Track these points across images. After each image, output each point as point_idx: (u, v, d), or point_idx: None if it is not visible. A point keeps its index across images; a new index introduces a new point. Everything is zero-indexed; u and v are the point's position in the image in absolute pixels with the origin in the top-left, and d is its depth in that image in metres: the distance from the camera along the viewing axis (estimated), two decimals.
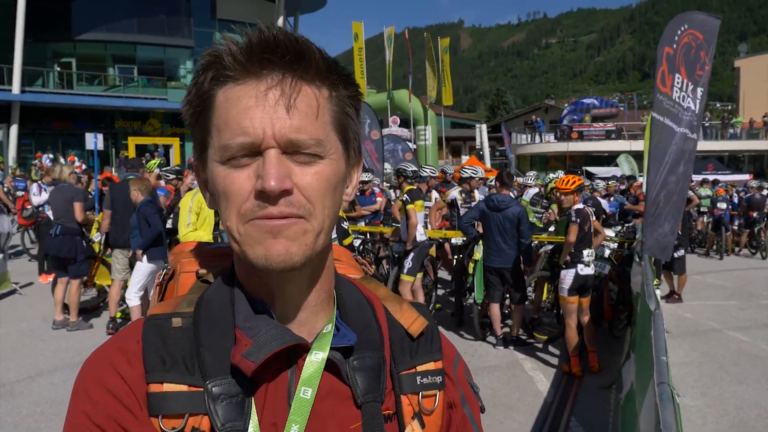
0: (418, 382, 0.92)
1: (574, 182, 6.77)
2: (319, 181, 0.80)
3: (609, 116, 46.87)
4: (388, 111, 35.99)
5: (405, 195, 7.89)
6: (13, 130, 32.14)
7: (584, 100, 50.33)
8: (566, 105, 54.10)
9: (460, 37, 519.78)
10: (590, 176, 24.23)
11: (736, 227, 17.27)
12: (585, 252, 6.55)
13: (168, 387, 0.80)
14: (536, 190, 11.21)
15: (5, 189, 15.69)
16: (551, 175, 11.27)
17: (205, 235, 6.51)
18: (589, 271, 6.58)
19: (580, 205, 6.74)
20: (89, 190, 11.29)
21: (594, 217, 6.92)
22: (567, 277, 6.59)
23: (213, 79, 0.80)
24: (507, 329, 7.89)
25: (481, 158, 33.15)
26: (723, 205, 16.75)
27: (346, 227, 7.77)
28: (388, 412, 0.88)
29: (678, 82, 5.85)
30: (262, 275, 0.83)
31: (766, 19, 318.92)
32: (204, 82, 0.81)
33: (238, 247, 0.81)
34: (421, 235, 7.93)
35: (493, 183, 9.92)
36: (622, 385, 5.62)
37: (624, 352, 6.93)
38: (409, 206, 7.71)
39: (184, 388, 0.80)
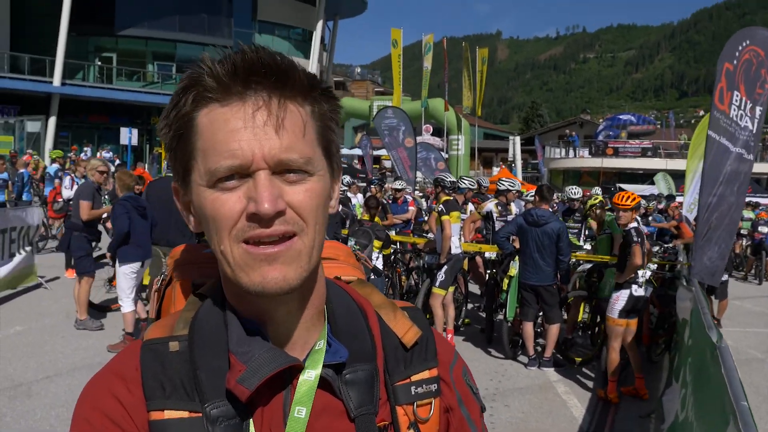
0: (413, 392, 0.91)
1: (633, 198, 6.42)
2: (311, 198, 0.80)
3: (645, 133, 46.13)
4: (422, 119, 35.83)
5: (440, 206, 7.67)
6: (51, 122, 32.58)
7: (621, 116, 49.57)
8: (602, 120, 53.43)
9: (497, 48, 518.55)
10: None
11: None
12: (640, 272, 6.27)
13: (169, 414, 0.80)
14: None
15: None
16: (574, 190, 10.81)
17: None
18: (641, 292, 6.30)
19: (635, 224, 6.44)
20: None
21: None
22: (620, 298, 6.27)
23: (194, 101, 0.79)
24: (539, 349, 7.62)
25: (513, 170, 32.76)
26: (764, 229, 16.28)
27: (387, 236, 7.66)
28: (383, 423, 0.88)
29: (736, 100, 5.56)
30: (254, 297, 0.81)
31: None
32: (185, 104, 0.79)
33: (231, 271, 0.80)
34: (456, 247, 7.69)
35: (530, 197, 9.66)
36: (663, 416, 5.33)
37: (663, 379, 6.64)
38: (445, 217, 7.47)
39: (185, 414, 0.80)
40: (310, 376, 0.84)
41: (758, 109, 5.78)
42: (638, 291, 6.25)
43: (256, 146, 0.76)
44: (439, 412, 0.93)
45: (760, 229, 16.25)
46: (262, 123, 0.77)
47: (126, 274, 6.98)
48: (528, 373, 7.07)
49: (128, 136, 10.41)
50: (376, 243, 7.78)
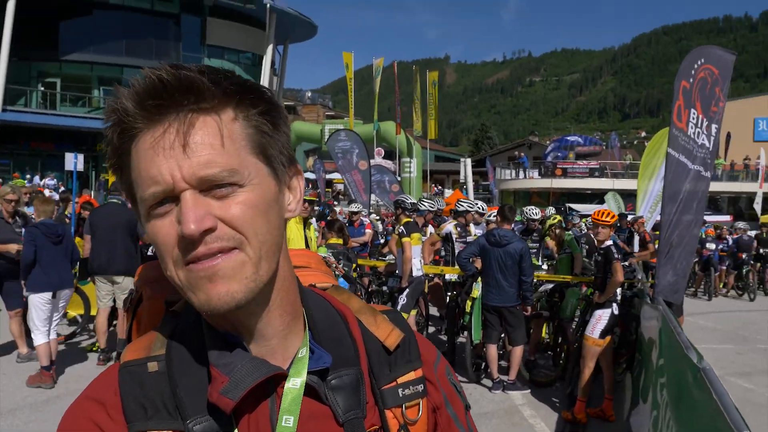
0: (401, 395, 0.91)
1: (613, 216, 6.41)
2: (244, 210, 0.77)
3: (592, 154, 47.15)
4: (374, 142, 35.88)
5: (401, 227, 7.55)
6: None
7: (568, 138, 50.68)
8: (549, 142, 54.44)
9: (446, 72, 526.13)
10: (573, 212, 24.20)
11: (724, 268, 17.22)
12: (618, 290, 6.24)
13: None
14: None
15: None
16: (534, 211, 10.84)
17: None
18: (617, 311, 6.28)
19: (610, 242, 6.40)
20: (66, 213, 10.81)
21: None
22: (603, 317, 6.19)
23: (121, 135, 0.78)
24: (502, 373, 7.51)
25: (465, 192, 32.99)
26: (712, 246, 16.71)
27: (356, 258, 7.52)
28: (374, 428, 0.88)
29: (693, 118, 5.61)
30: (216, 315, 0.80)
31: (744, 65, 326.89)
32: (113, 138, 0.79)
33: (184, 293, 0.79)
34: (417, 270, 7.57)
35: (492, 218, 9.63)
36: None
37: (627, 400, 6.59)
38: (405, 239, 7.36)
39: None
40: (295, 384, 0.83)
41: (714, 127, 5.85)
42: (617, 309, 6.23)
43: (174, 168, 0.75)
44: (427, 413, 0.93)
45: (707, 245, 16.67)
46: (170, 144, 0.75)
47: (35, 305, 6.53)
48: (492, 397, 6.95)
49: (73, 161, 9.97)
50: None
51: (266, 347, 0.85)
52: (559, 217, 9.64)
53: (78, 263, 7.56)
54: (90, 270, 7.63)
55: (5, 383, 6.66)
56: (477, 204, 10.04)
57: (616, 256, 6.16)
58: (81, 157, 10.16)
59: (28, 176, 27.24)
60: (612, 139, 50.96)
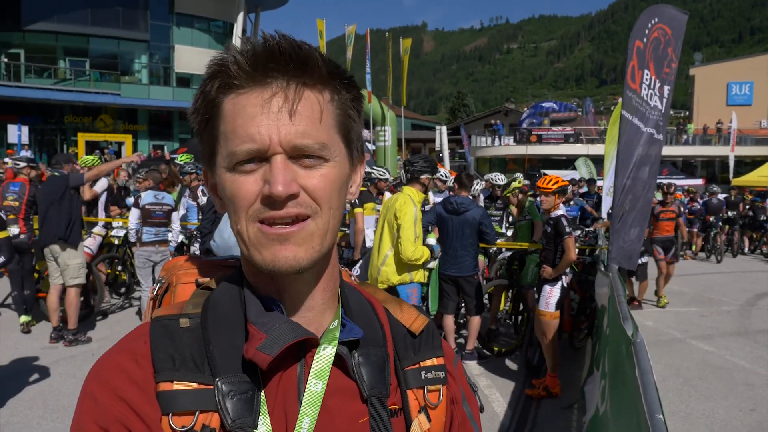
0: (423, 377, 0.94)
1: (556, 182, 5.99)
2: (325, 183, 0.83)
3: (567, 120, 47.07)
4: None
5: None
6: None
7: (543, 104, 50.42)
8: (526, 109, 54.23)
9: (423, 40, 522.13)
10: None
11: (695, 230, 17.32)
12: None
13: (178, 385, 0.80)
14: None
15: None
16: (498, 177, 10.67)
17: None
18: (566, 282, 6.07)
19: (562, 210, 6.13)
20: None
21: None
22: (555, 291, 5.95)
23: (219, 88, 0.82)
24: (462, 342, 7.40)
25: (440, 160, 32.78)
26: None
27: None
28: (394, 407, 0.90)
29: (647, 79, 5.42)
30: (270, 275, 0.85)
31: (719, 30, 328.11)
32: (211, 90, 0.83)
33: (247, 249, 0.84)
34: (371, 240, 7.36)
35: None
36: (585, 406, 5.18)
37: (585, 368, 6.51)
38: (357, 210, 7.10)
39: (194, 386, 0.80)
40: (326, 351, 0.86)
41: (666, 89, 5.68)
42: (565, 282, 6.03)
43: (273, 131, 0.79)
44: (446, 402, 0.96)
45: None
46: (277, 109, 0.80)
47: None
48: None
49: (17, 133, 9.59)
50: None
51: (303, 317, 0.88)
52: (521, 182, 9.43)
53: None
54: (37, 249, 7.54)
55: None
56: (442, 172, 9.77)
57: (567, 230, 5.84)
58: (25, 128, 9.76)
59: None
60: (587, 104, 50.94)
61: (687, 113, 54.11)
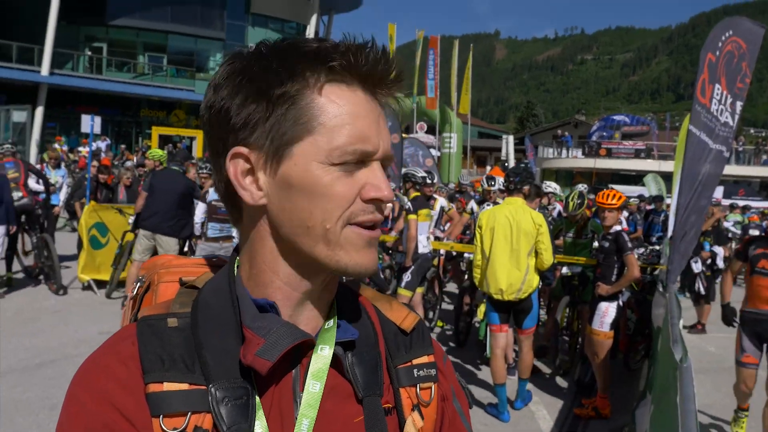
0: (415, 375, 0.94)
1: (619, 197, 5.83)
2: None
3: (639, 134, 45.80)
4: (414, 116, 35.48)
5: (408, 203, 7.26)
6: (39, 112, 32.03)
7: (614, 117, 49.18)
8: (596, 121, 53.10)
9: (495, 48, 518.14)
10: None
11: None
12: None
13: (168, 386, 0.78)
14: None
15: None
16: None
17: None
18: (623, 302, 5.88)
19: (619, 227, 5.93)
20: (86, 177, 10.83)
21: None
22: (611, 310, 5.78)
23: (325, 75, 0.80)
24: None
25: (505, 169, 32.45)
26: (755, 232, 16.03)
27: None
28: (387, 405, 0.90)
29: (717, 94, 5.19)
30: (307, 277, 0.85)
31: None
32: (313, 74, 0.80)
33: (329, 250, 0.81)
34: (423, 246, 7.28)
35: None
36: (635, 431, 4.99)
37: (638, 391, 6.28)
38: (411, 216, 7.02)
39: (185, 386, 0.78)
40: (324, 352, 0.85)
41: (738, 104, 5.42)
42: (623, 302, 5.84)
43: (381, 137, 0.82)
44: (438, 399, 0.96)
45: (750, 232, 16.00)
46: (377, 115, 0.83)
47: None
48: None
49: (90, 123, 9.95)
50: None
51: (299, 318, 0.87)
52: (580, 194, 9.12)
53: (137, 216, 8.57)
54: (140, 224, 8.29)
55: (2, 346, 6.67)
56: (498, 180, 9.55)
57: (629, 246, 5.66)
58: (98, 119, 10.08)
59: (70, 140, 27.67)
60: (666, 119, 49.37)
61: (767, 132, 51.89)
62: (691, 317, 9.84)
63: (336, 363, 0.87)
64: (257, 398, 0.81)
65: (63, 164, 15.05)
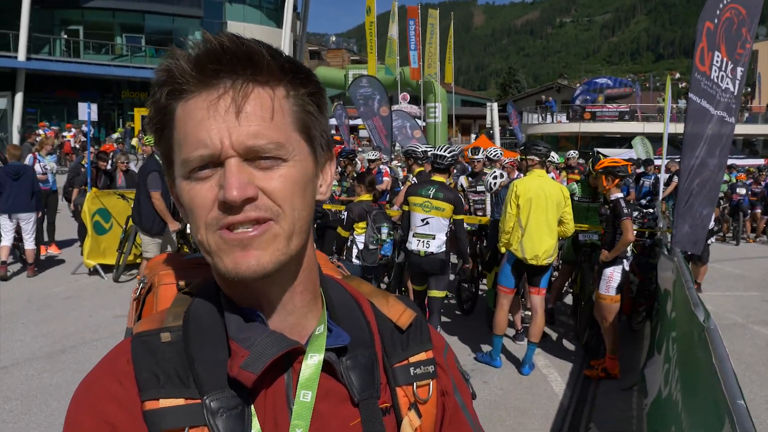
0: (412, 373, 0.93)
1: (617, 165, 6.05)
2: (285, 184, 0.80)
3: (622, 96, 45.97)
4: (398, 87, 35.37)
5: (413, 178, 7.37)
6: (18, 98, 31.60)
7: (597, 80, 49.30)
8: (579, 85, 53.15)
9: (473, 14, 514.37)
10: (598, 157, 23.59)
11: (758, 212, 16.79)
12: (628, 246, 6.00)
13: (164, 402, 0.78)
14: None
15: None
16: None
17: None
18: (627, 266, 6.08)
19: (620, 194, 6.12)
20: (82, 163, 10.87)
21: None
22: (615, 274, 5.95)
23: (169, 94, 0.80)
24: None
25: (491, 137, 32.50)
26: (742, 191, 16.32)
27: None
28: (385, 405, 0.89)
29: (717, 61, 5.32)
30: (237, 283, 0.82)
31: None
32: (161, 98, 0.80)
33: (210, 258, 0.81)
34: None
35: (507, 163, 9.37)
36: (645, 389, 5.19)
37: (644, 350, 6.51)
38: None
39: (180, 402, 0.79)
40: (313, 360, 0.85)
41: (739, 70, 5.55)
42: (627, 265, 6.02)
43: (224, 134, 0.76)
44: (437, 395, 0.95)
45: (738, 190, 16.28)
46: (224, 110, 0.77)
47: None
48: (507, 345, 6.90)
49: (87, 111, 9.93)
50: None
51: (285, 323, 0.87)
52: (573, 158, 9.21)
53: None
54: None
55: (22, 333, 6.80)
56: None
57: (625, 211, 5.83)
58: (94, 106, 10.08)
59: (52, 126, 27.41)
60: (650, 80, 49.48)
61: (749, 89, 52.24)
62: None
63: (330, 368, 0.86)
64: (252, 407, 0.82)
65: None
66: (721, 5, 5.28)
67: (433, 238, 6.07)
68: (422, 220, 6.12)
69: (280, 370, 0.83)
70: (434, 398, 0.95)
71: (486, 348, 6.60)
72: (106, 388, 0.80)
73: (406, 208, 6.32)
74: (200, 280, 0.93)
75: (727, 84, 5.46)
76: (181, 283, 0.96)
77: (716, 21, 5.22)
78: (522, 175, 7.51)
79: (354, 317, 0.93)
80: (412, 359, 0.94)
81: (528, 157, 6.31)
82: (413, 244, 6.14)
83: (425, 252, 6.08)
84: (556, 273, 8.11)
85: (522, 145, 7.37)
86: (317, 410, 0.83)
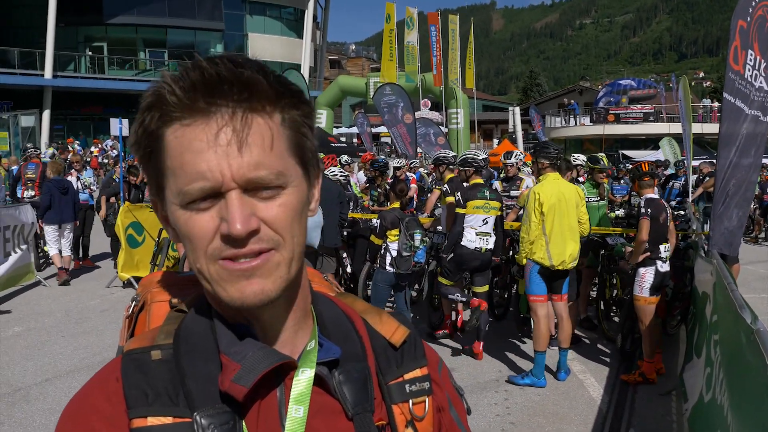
0: (407, 390, 0.92)
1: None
2: (285, 212, 0.79)
3: (646, 98, 45.49)
4: (419, 94, 35.40)
5: (445, 185, 7.34)
6: (46, 115, 32.23)
7: (621, 82, 48.86)
8: (601, 87, 52.76)
9: (492, 19, 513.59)
10: (626, 160, 23.39)
11: None
12: (662, 247, 5.90)
13: (152, 420, 0.77)
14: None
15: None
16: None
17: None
18: (666, 268, 5.98)
19: (652, 194, 6.07)
20: (114, 177, 11.03)
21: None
22: (647, 275, 5.88)
23: (159, 120, 0.77)
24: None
25: (514, 141, 32.35)
26: None
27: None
28: (381, 423, 0.88)
29: (750, 60, 5.25)
30: (238, 309, 0.81)
31: None
32: (150, 122, 0.78)
33: (210, 286, 0.80)
34: (469, 241, 7.34)
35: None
36: (686, 394, 5.13)
37: (681, 354, 6.42)
38: (449, 198, 7.09)
39: (169, 420, 0.78)
40: (305, 375, 0.84)
41: None
42: (663, 267, 5.90)
43: (224, 166, 0.75)
44: (433, 412, 0.95)
45: None
46: (226, 142, 0.75)
47: (48, 231, 9.79)
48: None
49: (119, 126, 10.11)
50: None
51: (276, 339, 0.86)
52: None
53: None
54: None
55: (63, 346, 6.90)
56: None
57: (642, 211, 5.80)
58: (126, 121, 10.25)
59: (75, 143, 27.87)
60: (672, 80, 48.98)
61: None
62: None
63: (323, 382, 0.85)
64: (243, 423, 0.81)
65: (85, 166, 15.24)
66: (754, 3, 5.21)
67: (491, 236, 6.67)
68: (483, 220, 6.66)
69: (272, 385, 0.83)
70: (430, 415, 0.94)
71: (513, 356, 6.55)
72: (96, 406, 0.79)
73: (462, 210, 6.64)
74: (192, 297, 0.92)
75: (761, 83, 5.39)
76: (174, 300, 0.93)
77: (749, 19, 5.16)
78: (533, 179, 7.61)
79: (345, 332, 0.92)
80: (407, 376, 0.93)
81: (539, 161, 6.24)
82: (476, 242, 6.64)
83: (486, 249, 6.67)
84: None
85: (531, 148, 7.31)
86: (310, 425, 0.83)
